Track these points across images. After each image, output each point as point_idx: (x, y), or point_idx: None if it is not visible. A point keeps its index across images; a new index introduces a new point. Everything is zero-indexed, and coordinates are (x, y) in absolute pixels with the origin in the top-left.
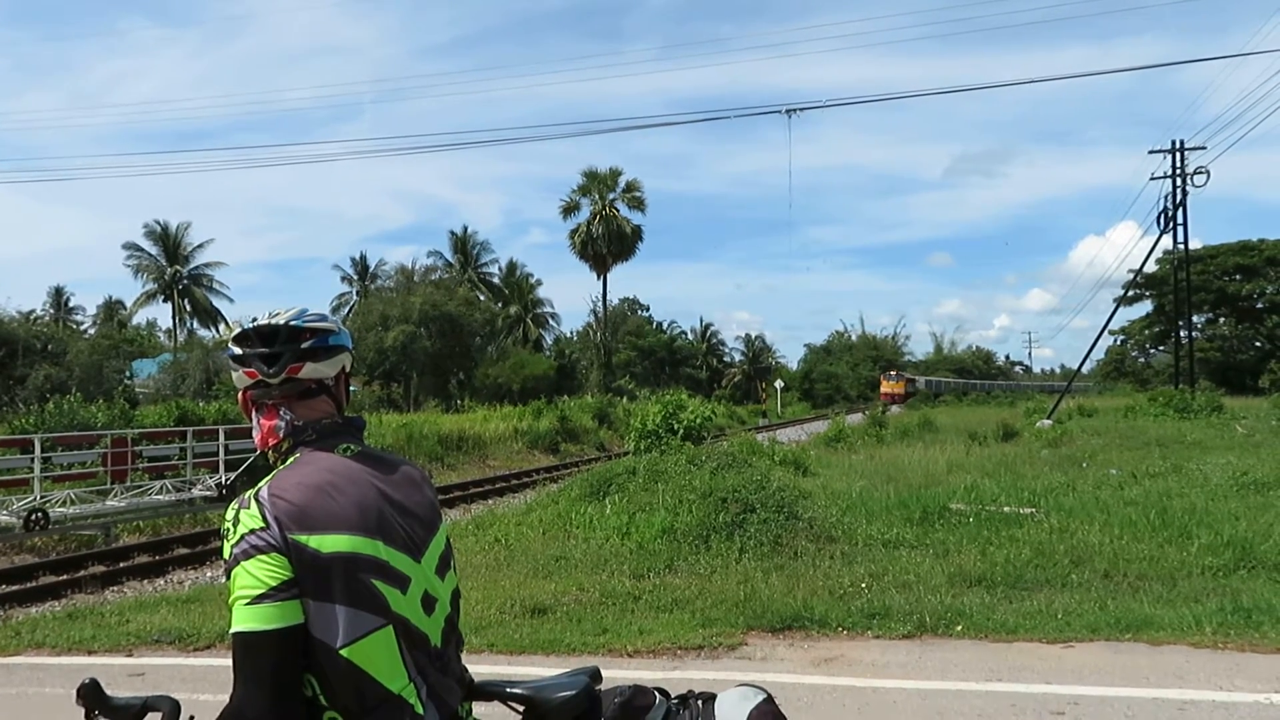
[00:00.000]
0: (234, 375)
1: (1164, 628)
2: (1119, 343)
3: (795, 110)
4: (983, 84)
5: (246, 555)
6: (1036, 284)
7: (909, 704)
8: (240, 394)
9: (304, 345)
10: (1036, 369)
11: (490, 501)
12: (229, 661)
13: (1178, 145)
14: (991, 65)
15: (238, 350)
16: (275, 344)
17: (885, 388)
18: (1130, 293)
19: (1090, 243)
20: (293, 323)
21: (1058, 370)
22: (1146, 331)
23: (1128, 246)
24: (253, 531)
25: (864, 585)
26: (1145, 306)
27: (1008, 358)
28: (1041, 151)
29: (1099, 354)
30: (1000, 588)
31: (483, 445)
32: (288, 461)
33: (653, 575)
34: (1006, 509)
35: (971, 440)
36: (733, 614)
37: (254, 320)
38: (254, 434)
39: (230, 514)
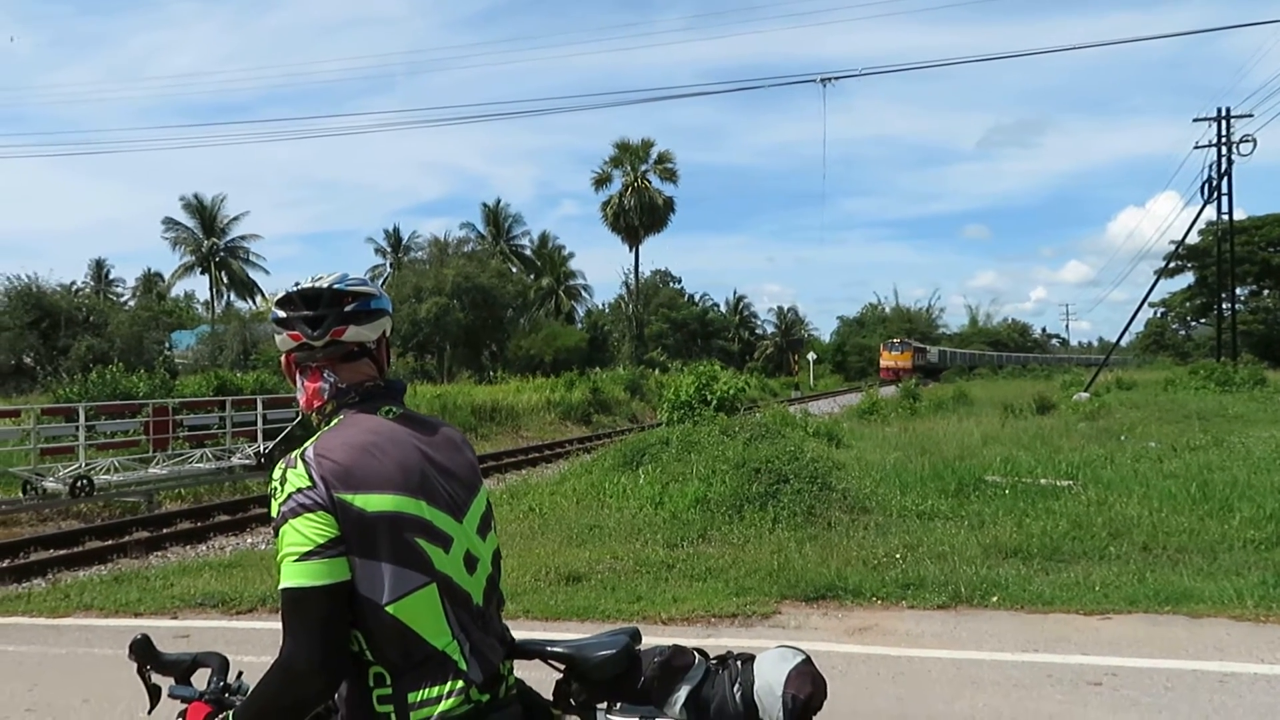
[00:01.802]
0: (277, 338)
1: (1204, 600)
2: (1159, 315)
3: (830, 79)
4: (1021, 51)
5: (294, 513)
6: (1074, 256)
7: (944, 673)
8: (284, 357)
9: (347, 308)
10: (1074, 342)
11: (524, 471)
12: (271, 625)
13: (1223, 113)
14: (1030, 32)
15: (281, 313)
16: (319, 307)
17: (886, 360)
18: (1171, 264)
19: (1130, 214)
20: (335, 286)
21: (1095, 343)
22: (1187, 304)
23: (1169, 218)
24: (300, 490)
25: (898, 556)
26: (1187, 279)
27: (1044, 330)
28: (1081, 121)
29: (1138, 327)
30: (1036, 559)
31: (516, 416)
32: (331, 423)
33: (686, 544)
34: (1043, 481)
35: (1007, 413)
36: (766, 583)
37: (297, 285)
38: (298, 396)
39: (277, 473)
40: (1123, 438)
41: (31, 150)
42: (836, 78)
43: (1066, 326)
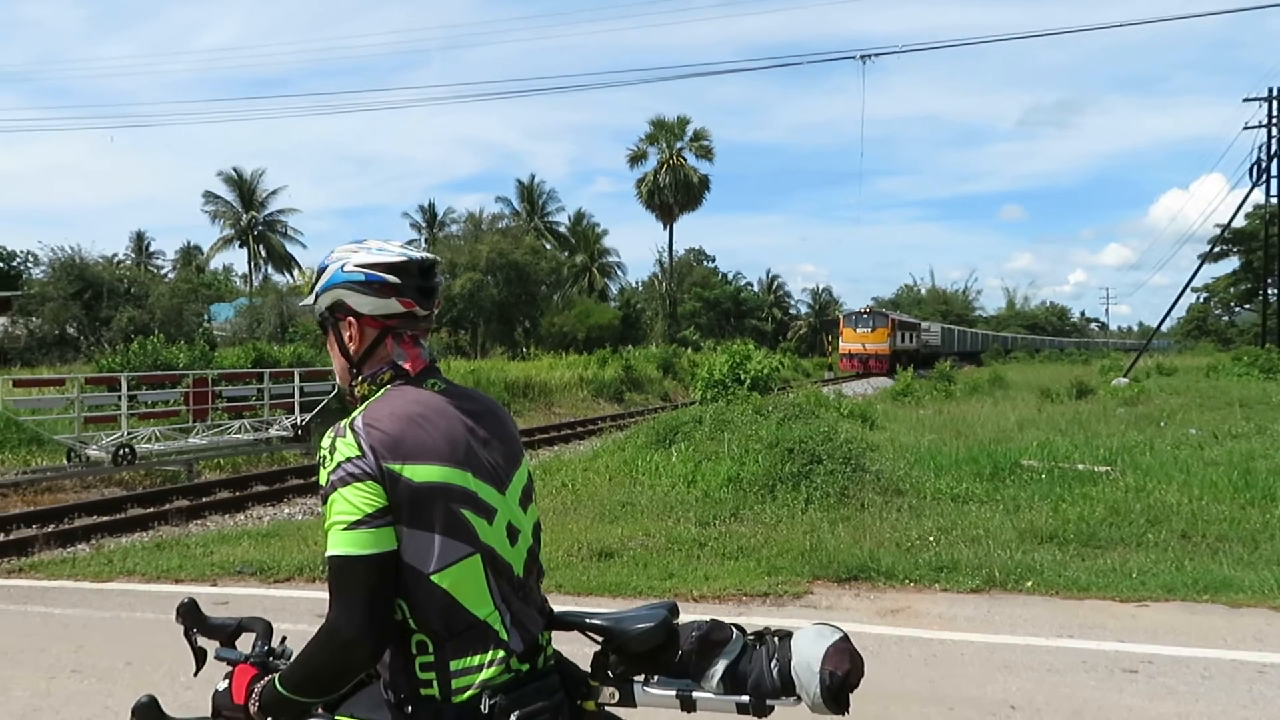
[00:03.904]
0: (371, 301)
1: (1244, 590)
2: (1202, 300)
3: (870, 56)
4: (1063, 29)
5: (343, 482)
6: (1114, 239)
7: (977, 656)
8: (359, 321)
9: (440, 281)
10: (1113, 326)
11: (556, 448)
12: (308, 594)
13: (1274, 92)
14: (1072, 9)
15: (393, 279)
16: (431, 278)
17: (849, 343)
18: (1216, 248)
19: (1173, 196)
20: (437, 260)
21: (1135, 328)
22: (1232, 289)
23: (1214, 201)
24: (349, 459)
25: (932, 539)
26: (1232, 263)
27: (1083, 314)
28: (1123, 100)
29: (1180, 312)
30: (1073, 545)
31: (548, 393)
32: (377, 395)
33: (718, 523)
34: (1080, 466)
35: (1044, 397)
36: (798, 563)
37: (416, 251)
38: (400, 362)
39: (326, 442)
40: (1162, 424)
41: (75, 123)
42: (876, 54)
43: (1106, 310)
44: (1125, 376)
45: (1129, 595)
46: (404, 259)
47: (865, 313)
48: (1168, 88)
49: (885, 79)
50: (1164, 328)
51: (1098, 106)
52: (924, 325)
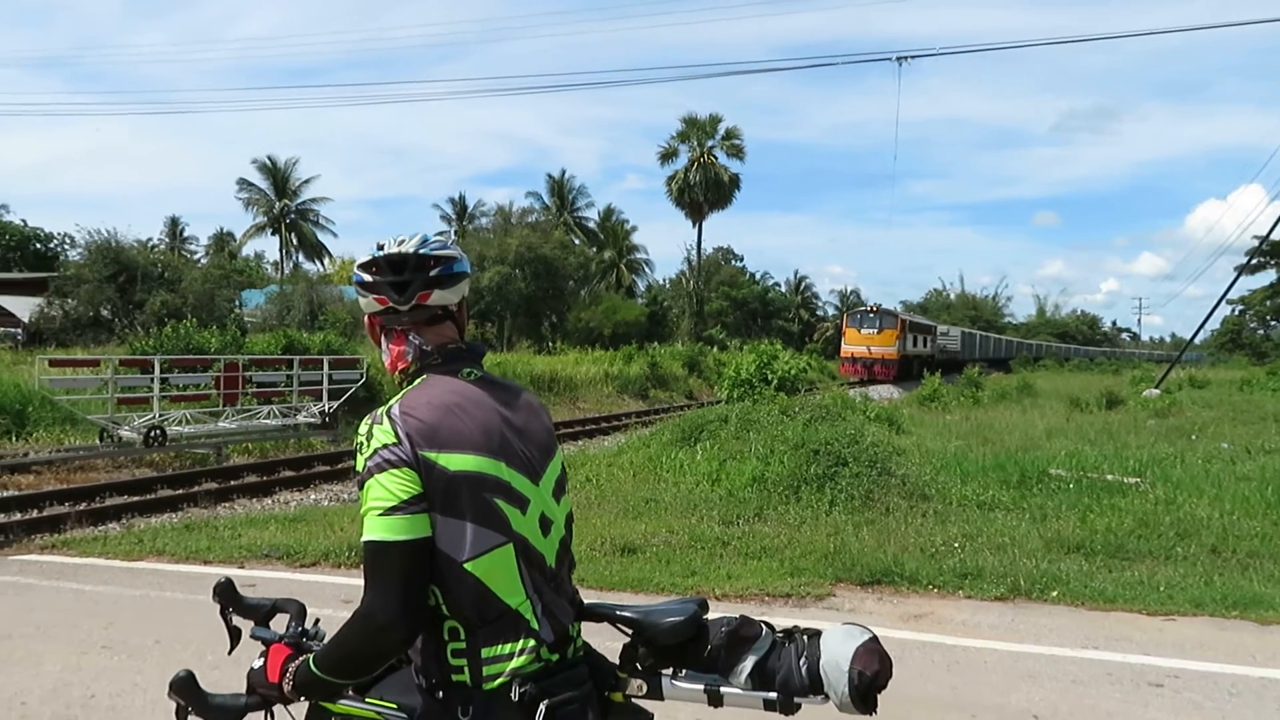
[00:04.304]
0: (362, 301)
1: (1275, 607)
2: (1237, 313)
3: (906, 58)
4: (1102, 34)
5: (380, 469)
6: (1148, 248)
7: (1000, 664)
8: (367, 319)
9: (431, 273)
10: (1145, 337)
11: (580, 443)
12: (333, 579)
13: None
14: (1114, 13)
15: (367, 278)
16: (405, 272)
17: (851, 343)
18: (1254, 260)
19: (1211, 206)
20: (421, 251)
21: (1168, 339)
22: (1268, 302)
23: (1253, 212)
24: (386, 446)
25: (956, 545)
26: (1269, 276)
27: (1114, 324)
28: (1163, 107)
29: (1214, 324)
30: (1100, 556)
31: (574, 387)
32: (414, 383)
33: (742, 522)
34: (1109, 477)
35: (1073, 406)
36: (821, 565)
37: (381, 248)
38: (384, 358)
39: (364, 429)
40: (1193, 436)
41: (112, 109)
42: (913, 56)
43: (1138, 320)
44: (1157, 388)
45: (1156, 608)
46: (371, 257)
47: (872, 311)
48: (1208, 95)
49: (920, 81)
50: (1198, 340)
51: (1136, 113)
52: (941, 329)
